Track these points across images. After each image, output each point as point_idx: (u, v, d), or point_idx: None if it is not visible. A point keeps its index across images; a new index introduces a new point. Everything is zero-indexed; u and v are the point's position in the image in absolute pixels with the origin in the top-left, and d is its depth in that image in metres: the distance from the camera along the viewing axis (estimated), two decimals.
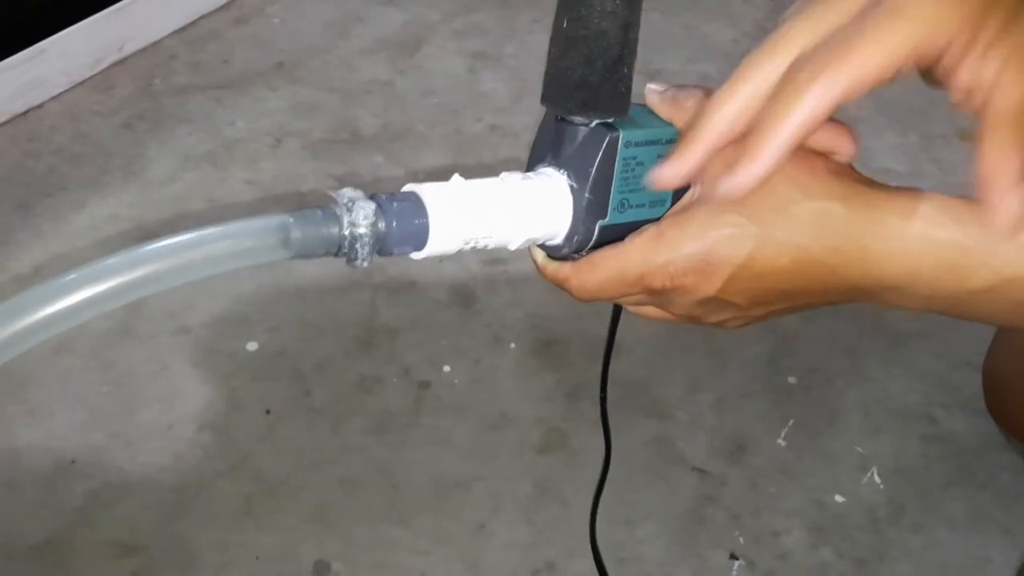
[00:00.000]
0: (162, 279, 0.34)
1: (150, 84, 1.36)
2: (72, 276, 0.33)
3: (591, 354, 1.05)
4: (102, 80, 1.35)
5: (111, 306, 0.34)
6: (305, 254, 0.37)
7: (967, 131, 1.35)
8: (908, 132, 1.35)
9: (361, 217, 0.37)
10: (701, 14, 1.50)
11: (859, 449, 1.00)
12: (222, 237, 0.35)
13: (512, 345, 1.07)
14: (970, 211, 0.41)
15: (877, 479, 0.97)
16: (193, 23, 1.45)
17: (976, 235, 0.40)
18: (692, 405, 1.02)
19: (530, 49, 1.44)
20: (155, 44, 1.41)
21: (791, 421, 1.01)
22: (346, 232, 0.37)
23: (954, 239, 0.40)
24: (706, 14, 1.50)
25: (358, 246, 0.37)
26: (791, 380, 1.05)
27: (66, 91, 1.33)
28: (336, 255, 0.38)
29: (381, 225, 0.38)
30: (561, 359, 1.06)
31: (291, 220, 0.36)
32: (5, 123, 1.28)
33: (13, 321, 0.32)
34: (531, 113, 1.33)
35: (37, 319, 0.33)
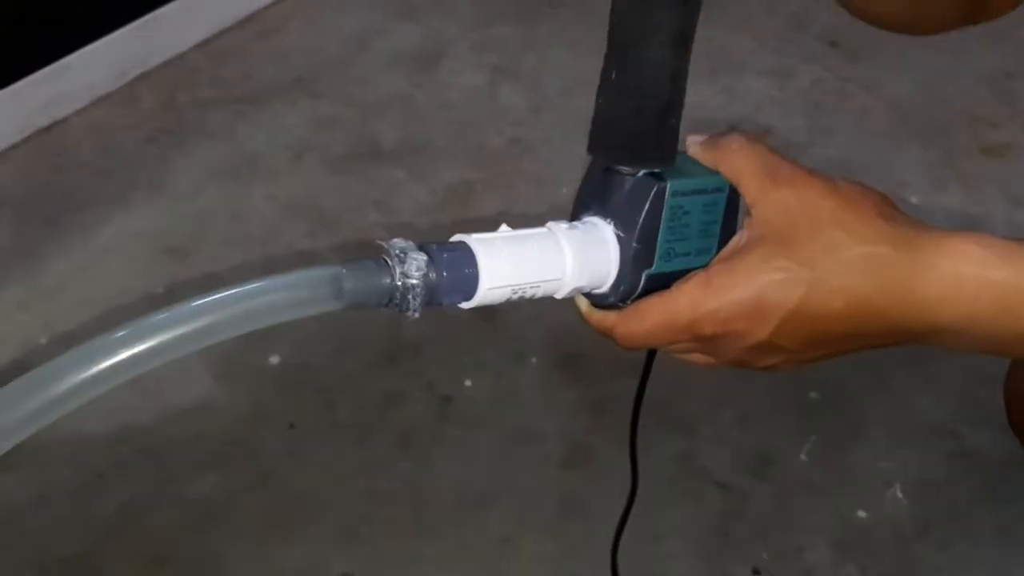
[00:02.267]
0: (219, 331, 0.35)
1: (173, 98, 1.37)
2: (130, 329, 0.34)
3: (613, 369, 1.06)
4: (126, 94, 1.37)
5: (170, 358, 0.34)
6: (358, 305, 0.37)
7: (989, 146, 1.35)
8: (930, 146, 1.35)
9: (414, 269, 0.37)
10: (722, 26, 1.50)
11: (882, 465, 1.00)
12: (276, 289, 0.36)
13: (534, 360, 1.08)
14: (1020, 251, 0.41)
15: (900, 495, 0.97)
16: (215, 37, 1.47)
17: None
18: (716, 420, 1.03)
19: (549, 62, 1.44)
20: (178, 58, 1.42)
21: (814, 437, 1.02)
22: (398, 283, 0.37)
23: (1009, 281, 0.40)
24: (727, 27, 1.50)
25: (410, 297, 0.38)
26: (814, 396, 1.05)
27: (90, 105, 1.34)
28: (387, 306, 0.38)
29: (432, 275, 0.38)
30: (583, 374, 1.06)
31: (344, 271, 0.37)
32: (31, 137, 1.29)
33: (75, 373, 0.33)
34: (550, 126, 1.34)
35: (99, 370, 0.33)
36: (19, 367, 1.03)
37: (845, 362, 1.11)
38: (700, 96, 1.39)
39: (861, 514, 0.96)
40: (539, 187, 1.25)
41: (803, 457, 1.00)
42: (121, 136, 1.31)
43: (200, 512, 0.92)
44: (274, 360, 1.06)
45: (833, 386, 1.06)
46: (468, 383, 1.05)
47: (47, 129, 1.31)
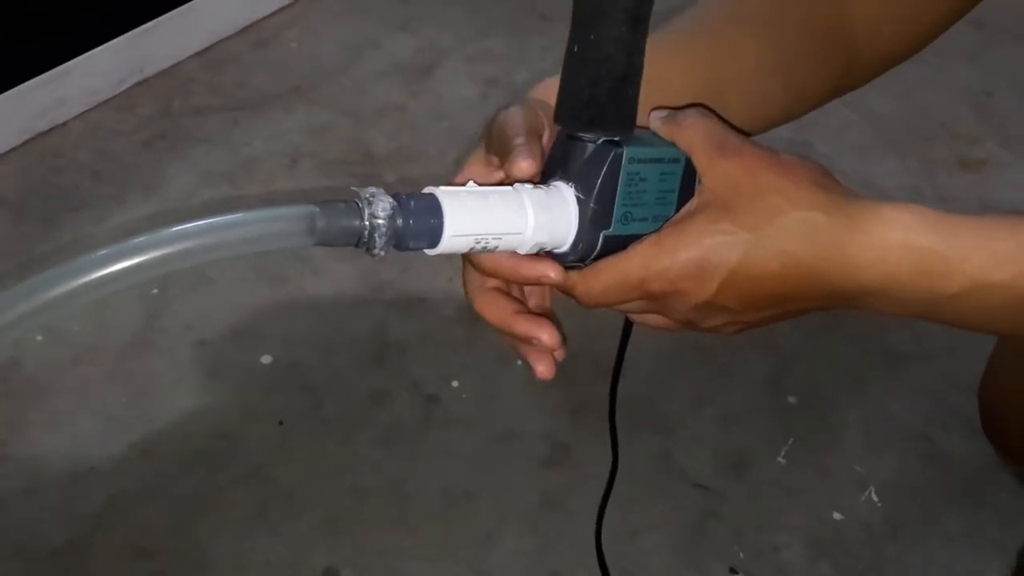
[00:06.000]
0: (195, 255, 0.38)
1: (170, 105, 1.40)
2: (111, 249, 0.36)
3: (596, 371, 1.08)
4: (124, 100, 1.39)
5: (146, 277, 0.37)
6: (328, 242, 0.40)
7: (967, 160, 1.38)
8: (908, 158, 1.38)
9: (380, 209, 0.40)
10: None
11: (858, 468, 1.02)
12: (255, 221, 0.39)
13: (519, 362, 1.10)
14: (946, 221, 0.44)
15: (875, 497, 0.99)
16: (212, 46, 1.49)
17: (951, 242, 0.43)
18: (695, 422, 1.05)
19: (541, 75, 1.45)
20: (175, 66, 1.45)
21: (791, 439, 1.04)
22: (366, 223, 0.40)
23: (930, 246, 0.43)
24: None
25: (376, 236, 0.40)
26: (791, 399, 1.08)
27: (89, 110, 1.37)
28: (356, 246, 0.41)
29: (399, 220, 0.41)
30: (567, 376, 1.08)
31: (317, 210, 0.40)
32: (30, 140, 1.32)
33: (74, 277, 0.35)
34: None
35: (78, 285, 0.36)
36: (14, 364, 1.05)
37: (822, 367, 1.14)
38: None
39: (836, 515, 0.97)
40: None
41: (780, 459, 1.02)
42: (118, 141, 1.34)
43: (187, 506, 0.94)
44: (266, 360, 1.08)
45: (810, 390, 1.08)
46: (454, 384, 1.07)
47: (46, 133, 1.33)
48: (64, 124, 1.34)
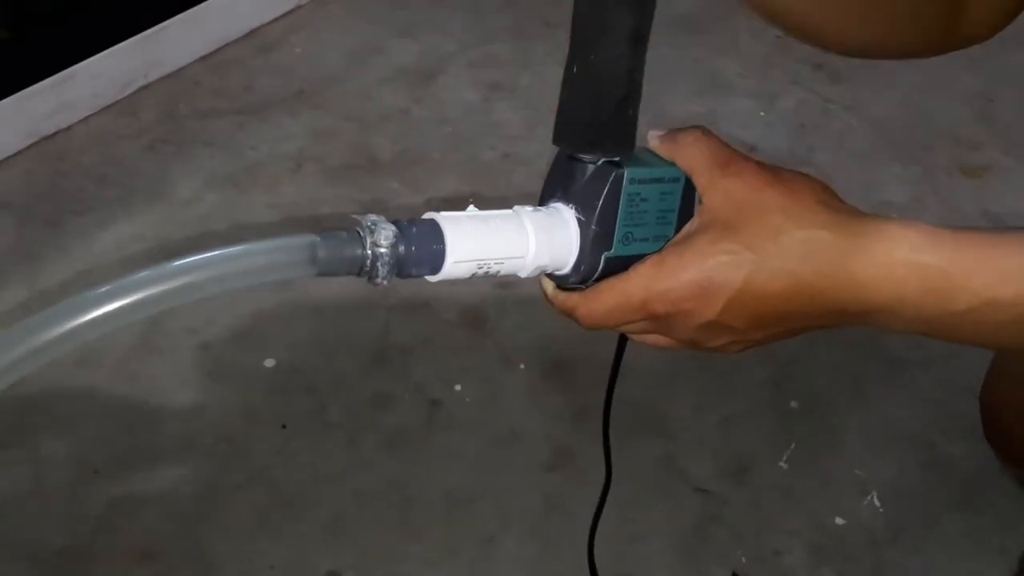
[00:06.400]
0: (201, 288, 0.38)
1: (175, 109, 1.40)
2: (114, 285, 0.36)
3: (599, 375, 1.06)
4: (129, 104, 1.40)
5: (150, 313, 0.37)
6: (330, 272, 0.40)
7: (969, 165, 1.38)
8: (911, 165, 1.38)
9: (382, 238, 0.40)
10: (710, 49, 1.54)
11: (859, 472, 1.02)
12: (256, 253, 0.39)
13: (521, 366, 1.10)
14: (951, 238, 0.44)
15: (876, 502, 0.99)
16: (217, 51, 1.50)
17: (956, 259, 0.43)
18: (697, 426, 1.05)
19: (544, 80, 1.48)
20: (180, 70, 1.46)
21: (793, 444, 1.04)
22: (368, 252, 0.40)
23: (936, 264, 0.43)
24: (715, 49, 1.54)
25: (379, 265, 0.40)
26: (793, 404, 1.08)
27: (94, 114, 1.37)
28: (358, 275, 0.40)
29: (401, 248, 0.41)
30: (569, 380, 1.09)
31: (319, 240, 0.40)
32: (35, 144, 1.32)
33: (74, 316, 0.35)
34: (544, 142, 1.36)
35: (91, 318, 0.36)
36: None
37: (824, 373, 1.15)
38: (688, 116, 1.42)
39: (838, 520, 0.98)
40: (531, 199, 1.28)
41: (782, 464, 1.02)
42: (123, 144, 1.34)
43: (190, 509, 0.94)
44: (269, 363, 1.08)
45: (813, 395, 1.09)
46: (457, 387, 1.07)
47: (51, 137, 1.34)
48: (68, 128, 1.35)
